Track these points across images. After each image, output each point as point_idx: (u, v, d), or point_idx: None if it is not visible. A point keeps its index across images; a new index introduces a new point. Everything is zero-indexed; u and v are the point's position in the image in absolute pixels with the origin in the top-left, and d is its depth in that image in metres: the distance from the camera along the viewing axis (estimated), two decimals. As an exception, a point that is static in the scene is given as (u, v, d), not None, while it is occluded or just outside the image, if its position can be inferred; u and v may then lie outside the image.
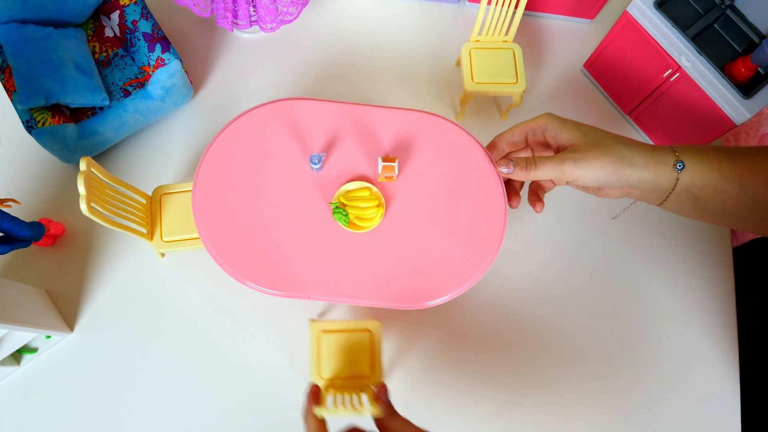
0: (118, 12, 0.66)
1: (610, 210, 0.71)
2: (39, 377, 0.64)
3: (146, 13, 0.66)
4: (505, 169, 0.56)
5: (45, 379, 0.64)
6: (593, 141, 0.54)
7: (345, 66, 0.76)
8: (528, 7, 0.77)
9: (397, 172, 0.56)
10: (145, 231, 0.61)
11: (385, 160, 0.55)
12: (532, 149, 0.59)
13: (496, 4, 0.66)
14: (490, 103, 0.76)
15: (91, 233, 0.68)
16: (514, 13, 0.68)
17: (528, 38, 0.78)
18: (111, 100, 0.66)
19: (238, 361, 0.65)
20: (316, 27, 0.77)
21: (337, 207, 0.56)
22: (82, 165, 0.51)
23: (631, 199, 0.66)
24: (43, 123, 0.61)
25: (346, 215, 0.56)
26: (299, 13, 0.69)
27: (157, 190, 0.63)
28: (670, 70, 0.65)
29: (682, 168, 0.53)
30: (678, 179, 0.53)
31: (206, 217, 0.55)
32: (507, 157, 0.58)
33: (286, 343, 0.66)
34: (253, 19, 0.68)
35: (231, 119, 0.59)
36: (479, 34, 0.69)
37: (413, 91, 0.76)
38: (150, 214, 0.62)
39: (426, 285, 0.55)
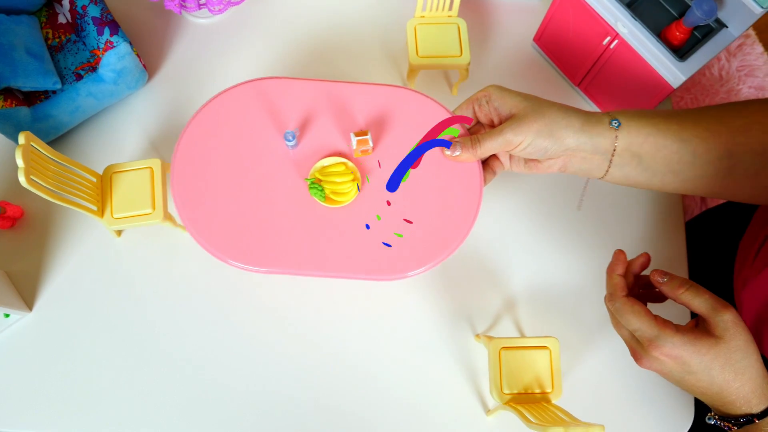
0: (68, -2, 0.68)
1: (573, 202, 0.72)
2: (-2, 356, 0.65)
3: (95, -1, 0.67)
4: (454, 152, 0.58)
5: (4, 358, 0.65)
6: (530, 107, 0.55)
7: (297, 46, 0.77)
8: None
9: (371, 144, 0.57)
10: (95, 208, 0.62)
11: (357, 134, 0.57)
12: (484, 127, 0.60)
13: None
14: (442, 80, 0.77)
15: (49, 216, 0.70)
16: (456, -13, 0.69)
17: (477, 14, 0.79)
18: (63, 83, 0.67)
19: (195, 335, 0.67)
20: (268, 9, 0.78)
21: (312, 182, 0.57)
22: (21, 139, 0.52)
23: (583, 181, 0.68)
24: (-5, 106, 0.63)
25: (322, 190, 0.57)
26: (247, -5, 0.71)
27: (107, 168, 0.64)
28: (609, 38, 0.66)
29: (618, 125, 0.54)
30: (617, 137, 0.54)
31: (185, 198, 0.57)
32: (453, 145, 0.59)
33: (240, 317, 0.67)
34: (201, 2, 0.70)
35: (205, 101, 0.61)
36: (423, 10, 0.70)
37: (366, 69, 0.77)
38: (101, 192, 0.64)
39: (404, 255, 0.57)
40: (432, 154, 0.59)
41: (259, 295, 0.68)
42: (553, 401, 0.60)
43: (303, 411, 0.65)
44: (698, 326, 0.49)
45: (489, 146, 0.56)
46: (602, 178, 0.57)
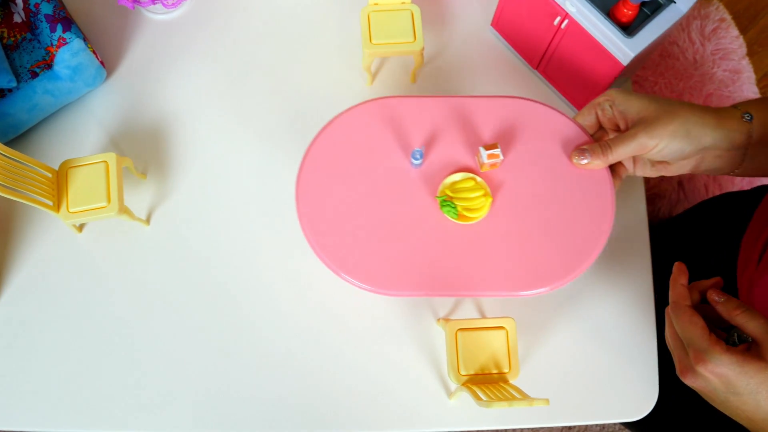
0: (22, -3, 0.68)
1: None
2: (-39, 354, 0.66)
3: (48, -4, 0.68)
4: (582, 160, 0.57)
5: (-33, 355, 0.66)
6: (661, 108, 0.54)
7: (254, 38, 0.78)
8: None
9: (502, 157, 0.56)
10: (50, 203, 0.63)
11: (487, 148, 0.56)
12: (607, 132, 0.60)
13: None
14: (402, 69, 0.77)
15: (10, 214, 0.70)
16: (408, -26, 0.69)
17: (433, 1, 0.80)
18: (19, 81, 0.68)
19: (159, 325, 0.67)
20: (223, 3, 0.79)
21: (444, 200, 0.56)
22: (-35, 133, 0.53)
23: None
24: (-51, 105, 0.63)
25: (455, 207, 0.56)
26: (200, -12, 0.71)
27: (63, 164, 0.65)
28: (560, 18, 0.66)
29: (751, 118, 0.53)
30: (750, 130, 0.53)
31: (312, 219, 0.57)
32: (579, 148, 0.58)
33: (202, 304, 0.68)
34: (155, -4, 0.70)
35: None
36: (376, -3, 0.70)
37: (323, 57, 0.77)
38: (57, 187, 0.64)
39: (542, 270, 0.56)
40: (558, 164, 0.59)
41: (222, 285, 0.68)
42: (511, 381, 0.59)
43: (264, 399, 0.65)
44: (750, 349, 0.47)
45: (621, 151, 0.55)
46: (733, 173, 0.56)
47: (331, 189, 0.58)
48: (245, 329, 0.67)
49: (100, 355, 0.66)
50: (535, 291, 0.56)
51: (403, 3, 0.71)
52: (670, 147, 0.53)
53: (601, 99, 0.57)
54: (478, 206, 0.57)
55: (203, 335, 0.67)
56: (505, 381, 0.59)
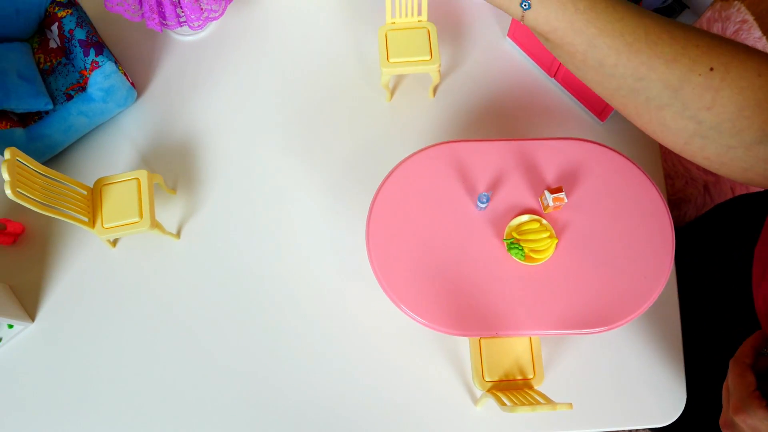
0: (57, 23, 0.72)
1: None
2: (3, 366, 0.69)
3: (81, 22, 0.71)
4: None
5: (9, 367, 0.69)
6: None
7: (275, 57, 0.80)
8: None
9: (566, 200, 0.58)
10: (86, 219, 0.65)
11: (552, 191, 0.58)
12: None
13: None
14: (421, 85, 0.79)
15: (49, 231, 0.73)
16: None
17: (450, 17, 0.81)
18: (55, 104, 0.71)
19: (193, 338, 0.69)
20: (247, 24, 0.81)
21: (511, 243, 0.58)
22: (6, 154, 0.56)
23: None
24: (-9, 128, 0.67)
25: (522, 249, 0.58)
26: (224, 10, 0.74)
27: (97, 181, 0.68)
28: (575, 27, 0.67)
29: (528, 7, 0.48)
30: (523, 17, 0.49)
31: (383, 262, 0.59)
32: None
33: (235, 318, 0.70)
34: (181, 19, 0.73)
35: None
36: (392, 16, 0.72)
37: (343, 77, 0.79)
38: (92, 204, 0.67)
39: (607, 307, 0.57)
40: (617, 203, 0.60)
41: (252, 297, 0.70)
42: (536, 387, 0.60)
43: (293, 411, 0.67)
44: None
45: None
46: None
47: (399, 230, 0.60)
48: (274, 339, 0.69)
49: (135, 368, 0.68)
50: (595, 330, 0.57)
51: (419, 21, 0.73)
52: None
53: None
54: (544, 247, 0.58)
55: (234, 345, 0.69)
56: (530, 387, 0.60)
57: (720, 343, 0.68)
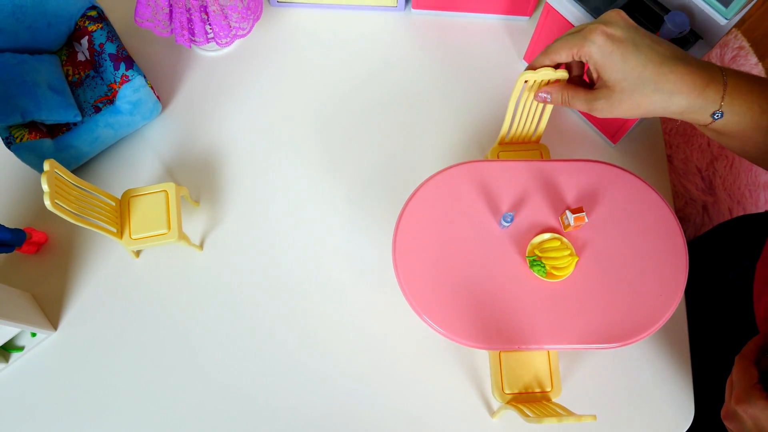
0: (87, 37, 0.73)
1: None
2: (27, 374, 0.69)
3: (111, 37, 0.73)
4: (544, 95, 0.60)
5: (33, 375, 0.69)
6: (632, 87, 0.53)
7: (297, 76, 0.82)
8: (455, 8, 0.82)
9: (587, 220, 0.60)
10: (114, 230, 0.67)
11: (574, 211, 0.60)
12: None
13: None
14: (439, 105, 0.81)
15: (71, 241, 0.74)
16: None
17: (465, 31, 0.84)
18: (83, 116, 0.72)
19: (212, 348, 0.70)
20: (271, 42, 0.84)
21: (534, 260, 0.61)
22: (46, 166, 0.57)
23: None
24: (21, 139, 0.68)
25: (544, 266, 0.60)
26: (251, 28, 0.76)
27: (125, 193, 0.69)
28: (593, 53, 0.70)
29: (720, 117, 0.52)
30: (710, 124, 0.54)
31: (407, 273, 0.61)
32: (545, 89, 0.60)
33: (257, 330, 0.71)
34: (209, 36, 0.75)
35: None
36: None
37: (367, 97, 0.81)
38: (120, 215, 0.68)
39: (624, 323, 0.60)
40: (633, 223, 0.62)
41: (273, 309, 0.72)
42: (553, 399, 0.62)
43: (312, 423, 0.68)
44: None
45: (578, 106, 0.57)
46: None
47: (425, 245, 0.62)
48: (293, 350, 0.70)
49: (155, 378, 0.69)
50: (613, 345, 0.59)
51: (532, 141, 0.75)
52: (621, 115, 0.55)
53: (581, 51, 0.54)
54: (565, 264, 0.61)
55: (255, 358, 0.70)
56: (548, 399, 0.61)
57: (722, 356, 0.71)
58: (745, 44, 1.31)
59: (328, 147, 0.78)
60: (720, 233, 0.90)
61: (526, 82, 0.61)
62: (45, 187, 0.56)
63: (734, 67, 1.28)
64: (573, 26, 0.69)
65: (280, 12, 0.85)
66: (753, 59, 1.30)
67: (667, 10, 0.66)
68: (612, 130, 0.76)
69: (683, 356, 0.70)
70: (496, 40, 0.84)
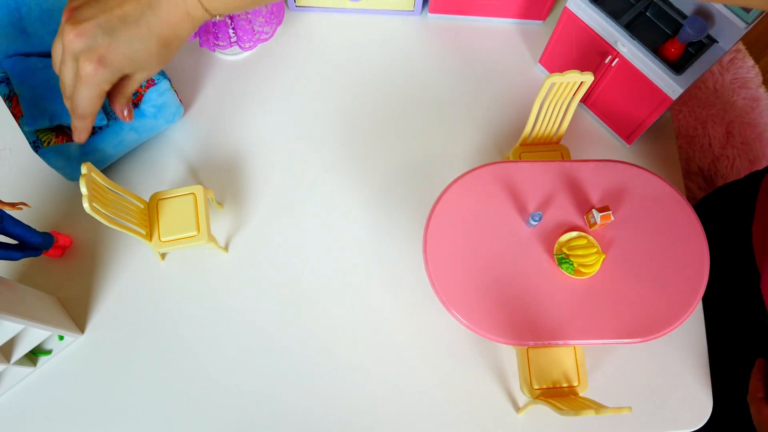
0: (111, 42, 0.74)
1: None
2: (54, 377, 0.70)
3: (136, 41, 0.73)
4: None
5: (60, 379, 0.70)
6: None
7: (319, 78, 0.83)
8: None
9: (613, 218, 0.62)
10: (144, 232, 0.67)
11: (600, 210, 0.62)
12: None
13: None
14: (458, 108, 0.83)
15: (96, 244, 0.75)
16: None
17: (483, 35, 0.85)
18: (108, 120, 0.73)
19: (237, 351, 0.71)
20: (292, 47, 0.85)
21: (562, 258, 0.62)
22: (84, 169, 0.58)
23: None
24: (48, 142, 0.68)
25: (572, 264, 0.62)
26: (274, 32, 0.77)
27: (153, 196, 0.70)
28: (610, 56, 0.72)
29: None
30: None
31: (437, 271, 0.62)
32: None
33: (285, 333, 0.72)
34: (232, 40, 0.76)
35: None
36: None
37: (389, 101, 0.83)
38: (148, 217, 0.69)
39: (649, 318, 0.62)
40: (656, 221, 0.64)
41: (299, 311, 0.73)
42: (580, 394, 0.63)
43: (338, 421, 0.69)
44: None
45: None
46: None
47: (454, 243, 0.64)
48: (319, 350, 0.71)
49: (182, 380, 0.70)
50: (637, 340, 0.61)
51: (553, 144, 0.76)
52: None
53: None
54: (592, 262, 0.62)
55: (282, 359, 0.71)
56: (575, 394, 0.63)
57: (736, 340, 0.74)
58: (741, 47, 1.34)
59: (350, 149, 0.80)
60: (703, 207, 0.92)
61: (552, 84, 0.62)
62: (84, 190, 0.57)
63: (732, 69, 1.31)
64: (591, 29, 0.71)
65: (298, 16, 0.86)
66: (750, 61, 1.33)
67: (684, 16, 0.69)
68: (627, 131, 0.78)
69: (700, 351, 0.72)
70: (511, 44, 0.86)
